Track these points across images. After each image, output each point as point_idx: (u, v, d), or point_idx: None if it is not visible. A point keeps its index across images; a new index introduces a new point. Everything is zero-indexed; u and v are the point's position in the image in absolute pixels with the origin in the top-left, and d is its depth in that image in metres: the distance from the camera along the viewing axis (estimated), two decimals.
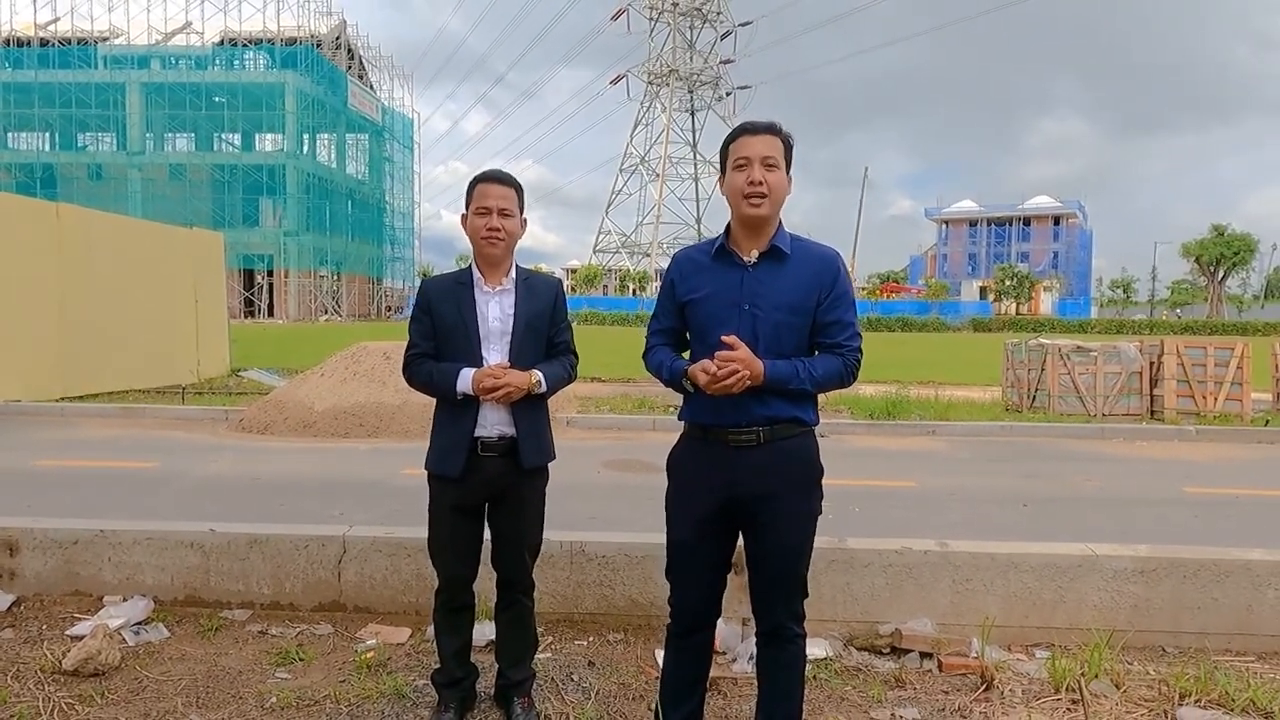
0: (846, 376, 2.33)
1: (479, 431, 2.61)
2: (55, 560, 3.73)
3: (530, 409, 2.65)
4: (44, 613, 3.61)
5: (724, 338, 2.20)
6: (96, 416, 10.44)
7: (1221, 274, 62.85)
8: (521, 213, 2.70)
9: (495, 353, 2.63)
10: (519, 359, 2.62)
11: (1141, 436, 10.02)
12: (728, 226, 2.38)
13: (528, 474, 2.67)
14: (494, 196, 2.61)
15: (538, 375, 2.61)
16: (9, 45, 45.74)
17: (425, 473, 2.72)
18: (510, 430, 2.63)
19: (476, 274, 2.67)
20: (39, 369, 11.14)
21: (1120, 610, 3.45)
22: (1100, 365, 11.05)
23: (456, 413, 2.62)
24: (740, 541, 2.46)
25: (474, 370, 2.56)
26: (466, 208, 2.66)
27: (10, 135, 48.01)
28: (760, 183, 2.23)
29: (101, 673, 3.04)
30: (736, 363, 2.17)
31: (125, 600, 3.63)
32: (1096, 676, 3.04)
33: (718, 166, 2.43)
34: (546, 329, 2.73)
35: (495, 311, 2.65)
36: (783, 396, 2.27)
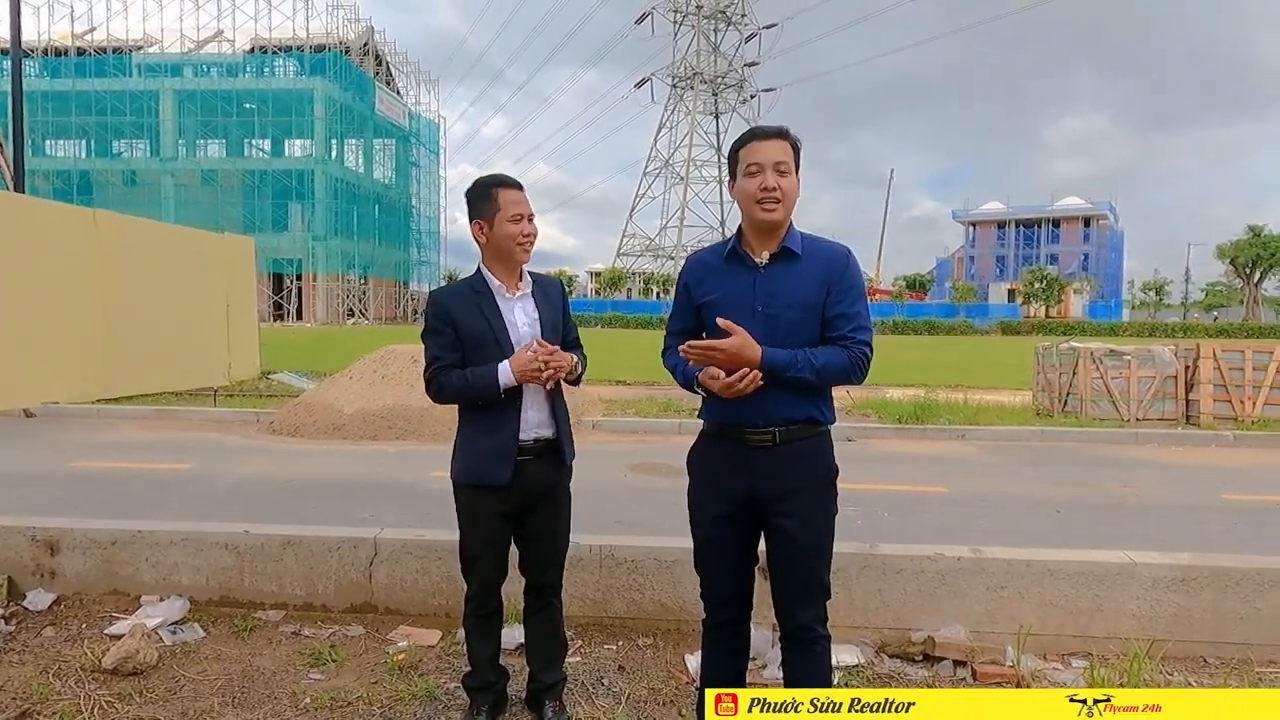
0: (852, 372, 2.28)
1: (520, 436, 2.60)
2: (94, 560, 3.80)
3: (563, 405, 2.70)
4: (83, 611, 3.68)
5: (719, 321, 2.20)
6: (132, 419, 10.64)
7: (1258, 276, 61.46)
8: None
9: None
10: None
11: (1176, 442, 9.84)
12: (739, 229, 2.40)
13: (562, 473, 2.71)
14: (525, 203, 2.62)
15: (574, 356, 2.65)
16: (47, 55, 46.75)
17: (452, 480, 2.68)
18: (546, 432, 2.64)
19: (494, 281, 2.63)
20: (77, 372, 11.33)
21: (1159, 619, 3.39)
22: (1134, 369, 10.86)
23: (496, 417, 2.58)
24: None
25: (510, 359, 2.53)
26: (479, 215, 2.60)
27: (48, 143, 48.97)
28: (774, 188, 2.24)
29: (140, 671, 3.09)
30: (734, 345, 2.17)
31: (162, 600, 3.69)
32: (1136, 686, 2.98)
33: None
34: (562, 329, 2.76)
35: (521, 317, 2.65)
36: (797, 393, 2.27)
